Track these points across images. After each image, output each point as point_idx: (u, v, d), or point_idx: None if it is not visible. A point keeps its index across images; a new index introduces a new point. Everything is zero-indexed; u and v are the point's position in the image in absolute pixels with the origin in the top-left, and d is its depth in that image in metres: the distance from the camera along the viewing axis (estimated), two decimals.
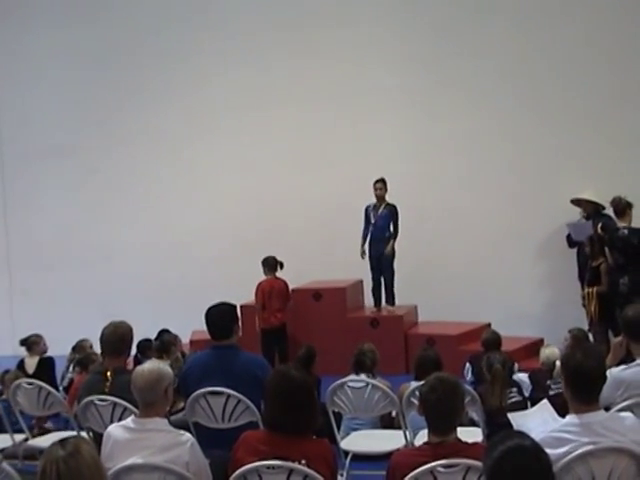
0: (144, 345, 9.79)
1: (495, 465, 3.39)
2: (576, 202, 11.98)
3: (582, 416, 4.23)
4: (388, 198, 12.46)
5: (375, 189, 12.44)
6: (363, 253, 12.53)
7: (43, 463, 3.46)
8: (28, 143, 15.79)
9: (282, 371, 4.85)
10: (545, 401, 5.83)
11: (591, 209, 11.68)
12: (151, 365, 5.01)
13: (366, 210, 12.54)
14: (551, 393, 7.74)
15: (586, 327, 10.40)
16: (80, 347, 10.42)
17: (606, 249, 10.77)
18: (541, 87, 13.13)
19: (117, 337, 6.29)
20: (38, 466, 3.49)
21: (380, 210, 12.44)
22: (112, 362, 6.30)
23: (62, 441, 3.54)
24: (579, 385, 4.29)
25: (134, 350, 9.46)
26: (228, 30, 14.66)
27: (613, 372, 5.41)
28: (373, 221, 12.46)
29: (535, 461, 3.39)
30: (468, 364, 9.14)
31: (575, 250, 11.92)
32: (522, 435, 3.58)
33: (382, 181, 12.43)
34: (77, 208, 15.54)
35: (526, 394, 8.14)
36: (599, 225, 10.94)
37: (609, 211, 11.30)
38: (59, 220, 15.60)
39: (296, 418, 4.53)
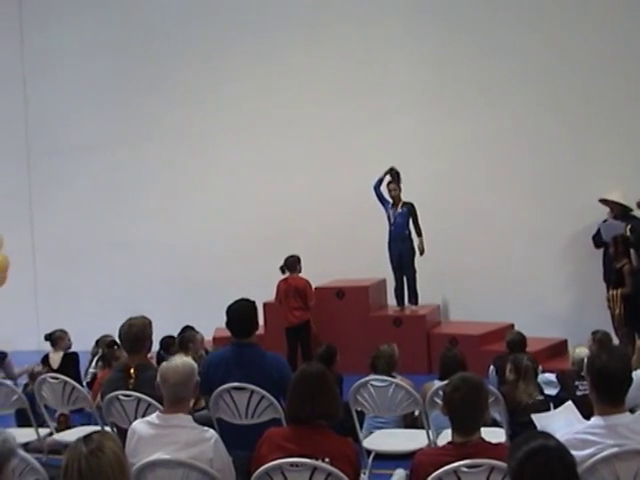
0: (167, 342, 9.82)
1: (519, 465, 3.39)
2: (604, 202, 11.87)
3: (607, 418, 4.21)
4: (409, 196, 12.43)
5: (389, 190, 12.43)
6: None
7: (66, 460, 3.45)
8: (54, 140, 15.89)
9: (301, 368, 4.95)
10: (570, 403, 5.81)
11: (618, 210, 11.57)
12: (183, 360, 5.04)
13: (387, 206, 12.52)
14: (578, 394, 7.71)
15: (611, 329, 10.34)
16: (103, 342, 10.46)
17: (631, 251, 10.71)
18: (565, 85, 13.01)
19: (134, 334, 6.29)
20: (62, 461, 3.49)
21: (398, 209, 12.43)
22: (133, 359, 6.32)
23: (86, 437, 3.53)
24: (604, 387, 4.27)
25: (157, 346, 9.54)
26: (253, 28, 14.68)
27: (639, 374, 5.39)
28: (392, 221, 12.45)
29: (559, 461, 3.38)
30: (492, 366, 9.10)
31: (601, 251, 11.83)
32: (546, 436, 3.57)
33: (395, 182, 12.43)
34: (102, 205, 15.61)
35: (553, 394, 8.11)
36: (628, 227, 10.87)
37: (637, 212, 11.26)
38: (84, 217, 15.68)
39: (313, 406, 4.58)
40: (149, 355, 6.92)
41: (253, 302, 6.59)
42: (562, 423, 5.18)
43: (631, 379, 4.36)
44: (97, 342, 10.74)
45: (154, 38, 15.29)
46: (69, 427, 8.34)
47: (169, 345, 9.71)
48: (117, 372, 6.54)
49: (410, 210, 12.38)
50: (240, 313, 6.39)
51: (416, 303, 12.64)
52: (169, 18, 15.29)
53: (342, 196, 13.91)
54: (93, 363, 10.58)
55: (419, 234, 12.41)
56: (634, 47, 12.68)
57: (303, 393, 4.64)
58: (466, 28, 13.58)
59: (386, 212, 12.50)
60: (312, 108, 14.31)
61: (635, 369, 5.28)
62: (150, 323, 6.43)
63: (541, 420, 5.73)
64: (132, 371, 6.21)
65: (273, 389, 5.96)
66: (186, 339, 9.77)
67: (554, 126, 13.05)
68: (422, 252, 12.38)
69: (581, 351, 8.45)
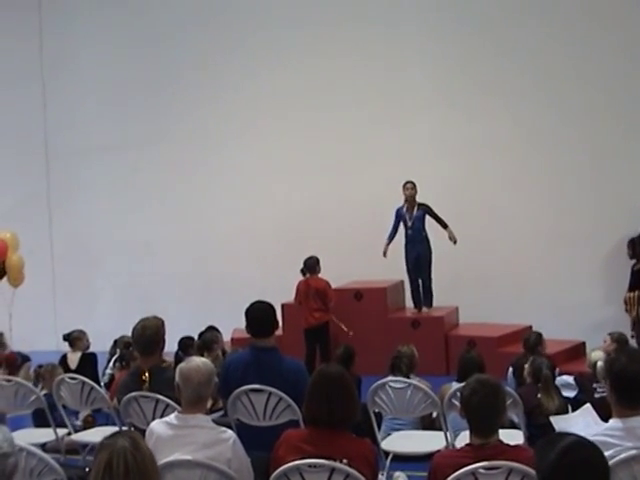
0: (185, 343, 9.83)
1: (558, 461, 3.37)
2: None
3: (626, 420, 4.20)
4: (427, 198, 12.42)
5: (406, 189, 12.40)
6: (386, 253, 12.51)
7: (108, 455, 3.35)
8: (73, 141, 15.97)
9: (321, 369, 4.91)
10: (588, 405, 5.80)
11: None
12: (202, 360, 5.06)
13: (399, 212, 12.50)
14: (597, 396, 7.69)
15: (629, 331, 10.30)
16: (122, 342, 10.49)
17: None
18: (584, 87, 13.02)
19: (148, 336, 6.23)
20: (98, 459, 3.37)
21: (415, 211, 12.41)
22: (146, 361, 6.28)
23: (120, 434, 3.52)
24: (623, 389, 4.26)
25: (175, 347, 9.56)
26: (264, 30, 14.74)
27: None
28: (410, 224, 12.42)
29: (597, 453, 3.41)
30: (511, 368, 9.08)
31: (617, 253, 11.78)
32: (571, 434, 3.58)
33: (412, 182, 12.41)
34: (120, 206, 15.68)
35: (571, 396, 8.09)
36: None
37: None
38: (102, 217, 15.75)
39: (332, 409, 4.56)
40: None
41: (271, 304, 6.57)
42: (580, 425, 5.17)
43: None
44: (115, 342, 10.76)
45: (172, 40, 15.33)
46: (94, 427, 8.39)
47: (188, 346, 9.71)
48: (131, 376, 6.51)
49: (426, 211, 12.38)
50: (260, 314, 6.35)
51: (431, 305, 12.65)
52: (186, 20, 15.33)
53: (360, 198, 13.93)
54: (110, 364, 10.60)
55: (445, 226, 12.37)
56: None
57: (321, 395, 4.63)
58: (484, 30, 13.59)
59: (398, 217, 12.50)
60: (329, 110, 14.33)
61: None
62: (163, 323, 6.36)
63: (559, 422, 5.73)
64: (146, 375, 6.17)
65: (290, 393, 5.95)
66: (209, 340, 9.77)
67: (572, 128, 13.05)
68: (455, 241, 12.34)
69: (597, 354, 8.44)
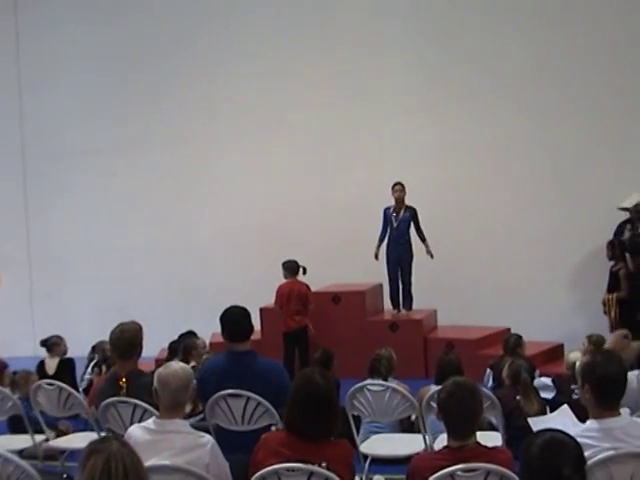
0: (175, 348, 9.79)
1: (539, 453, 3.55)
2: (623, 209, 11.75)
3: (603, 421, 4.22)
4: (407, 201, 12.46)
5: (394, 191, 12.42)
6: (377, 255, 12.53)
7: (104, 459, 3.26)
8: (50, 146, 15.89)
9: (307, 377, 4.76)
10: (565, 406, 5.80)
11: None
12: (181, 365, 5.06)
13: (385, 212, 12.53)
14: (575, 397, 7.72)
15: (607, 333, 10.33)
16: (100, 348, 10.47)
17: (627, 254, 10.71)
18: (565, 90, 13.08)
19: (126, 340, 6.24)
20: (91, 464, 3.26)
21: (401, 213, 12.43)
22: (124, 365, 6.27)
23: (108, 437, 3.50)
24: (602, 390, 4.28)
25: (152, 353, 9.53)
26: (247, 34, 14.71)
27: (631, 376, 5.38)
28: (395, 225, 12.44)
29: (571, 440, 3.65)
30: (489, 370, 9.11)
31: (595, 256, 11.83)
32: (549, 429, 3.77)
33: (401, 184, 12.43)
34: (98, 211, 15.62)
35: (549, 397, 8.13)
36: (627, 227, 10.78)
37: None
38: (80, 223, 15.68)
39: (318, 425, 4.53)
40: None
41: (246, 308, 6.53)
42: (558, 426, 5.17)
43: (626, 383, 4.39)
44: (94, 348, 10.74)
45: (151, 44, 15.32)
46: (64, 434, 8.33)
47: (178, 350, 9.67)
48: (108, 381, 6.47)
49: (413, 215, 12.41)
50: (237, 318, 6.33)
51: (410, 308, 12.67)
52: (167, 24, 15.30)
53: (338, 202, 13.96)
54: (89, 369, 10.58)
55: (423, 239, 12.44)
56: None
57: (309, 410, 4.54)
58: (467, 33, 13.63)
59: (386, 216, 12.51)
60: (310, 113, 14.36)
61: None
62: (141, 328, 6.36)
63: (537, 424, 5.72)
64: (123, 381, 6.16)
65: (270, 396, 5.93)
66: (188, 347, 9.77)
67: (549, 132, 13.12)
68: (432, 255, 12.38)
69: (575, 356, 8.47)
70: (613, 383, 4.29)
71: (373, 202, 12.67)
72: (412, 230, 12.47)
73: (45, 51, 15.97)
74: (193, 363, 9.38)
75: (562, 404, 6.11)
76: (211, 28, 14.97)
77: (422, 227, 12.45)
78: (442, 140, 13.73)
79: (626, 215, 11.85)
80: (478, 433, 4.44)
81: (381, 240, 12.57)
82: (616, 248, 10.91)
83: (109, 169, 15.57)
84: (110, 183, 15.60)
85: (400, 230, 12.42)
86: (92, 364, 10.49)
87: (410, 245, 12.48)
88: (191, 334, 10.31)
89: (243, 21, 14.83)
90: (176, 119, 15.18)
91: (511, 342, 9.17)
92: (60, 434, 8.27)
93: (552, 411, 6.73)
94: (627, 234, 11.38)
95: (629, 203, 11.53)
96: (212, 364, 6.67)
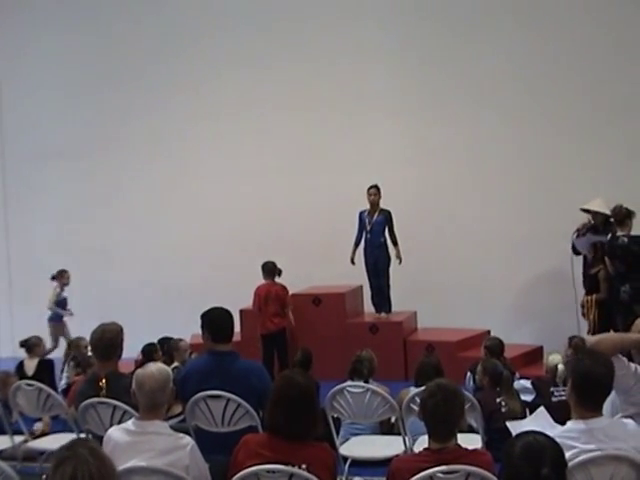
0: (150, 350, 9.74)
1: (519, 454, 3.56)
2: (586, 211, 11.78)
3: (585, 422, 4.24)
4: (386, 203, 12.45)
5: (369, 195, 12.39)
6: (353, 259, 12.54)
7: (72, 469, 3.25)
8: (30, 145, 15.82)
9: (287, 377, 4.78)
10: (542, 408, 5.83)
11: (600, 219, 11.45)
12: (158, 366, 5.05)
13: (360, 215, 12.52)
14: (554, 400, 7.76)
15: (586, 335, 10.37)
16: (76, 345, 10.47)
17: (606, 257, 10.74)
18: (543, 94, 13.12)
19: (108, 340, 6.19)
20: (59, 472, 3.26)
21: (375, 216, 12.42)
22: (104, 366, 6.23)
23: (77, 444, 3.44)
24: (587, 391, 4.31)
25: (132, 354, 9.47)
26: (228, 35, 14.68)
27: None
28: (369, 228, 12.42)
29: (548, 438, 3.65)
30: (469, 372, 9.13)
31: (575, 259, 11.85)
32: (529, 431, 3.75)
33: (376, 187, 12.40)
34: (78, 211, 15.55)
35: (528, 400, 8.16)
36: (608, 236, 10.75)
37: None
38: (59, 223, 15.62)
39: (298, 424, 4.51)
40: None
41: (228, 310, 6.53)
42: (535, 429, 5.19)
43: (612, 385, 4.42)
44: (69, 344, 10.75)
45: (129, 43, 15.26)
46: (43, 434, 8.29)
47: (152, 352, 9.62)
48: (87, 382, 6.43)
49: (387, 218, 12.37)
50: (219, 319, 6.33)
51: (389, 310, 12.67)
52: (145, 22, 15.25)
53: (319, 203, 13.94)
54: (66, 366, 10.59)
55: (395, 243, 12.41)
56: (618, 58, 12.78)
57: (289, 409, 4.53)
58: (448, 35, 13.66)
59: (361, 219, 12.51)
60: (290, 116, 14.34)
61: None
62: (122, 329, 6.32)
63: (515, 427, 5.75)
64: (103, 382, 6.12)
65: (252, 398, 5.93)
66: (171, 348, 9.75)
67: (531, 135, 13.16)
68: (400, 260, 12.39)
69: (554, 358, 8.51)
70: (595, 383, 4.31)
71: (353, 204, 12.64)
72: (388, 233, 12.46)
73: (22, 52, 15.89)
74: (176, 364, 9.39)
75: (540, 406, 6.13)
76: (192, 31, 14.92)
77: (396, 231, 12.41)
78: (421, 143, 13.73)
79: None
80: (458, 435, 4.45)
81: (356, 244, 12.55)
82: (599, 250, 10.93)
83: (89, 169, 15.48)
84: (90, 183, 15.52)
85: (374, 233, 12.39)
86: (69, 359, 10.54)
87: (386, 248, 12.45)
88: (168, 340, 10.27)
89: (224, 23, 14.78)
90: (155, 120, 15.11)
91: (491, 344, 9.17)
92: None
93: (532, 413, 6.76)
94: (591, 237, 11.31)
95: (592, 206, 11.50)
96: (193, 364, 6.70)
